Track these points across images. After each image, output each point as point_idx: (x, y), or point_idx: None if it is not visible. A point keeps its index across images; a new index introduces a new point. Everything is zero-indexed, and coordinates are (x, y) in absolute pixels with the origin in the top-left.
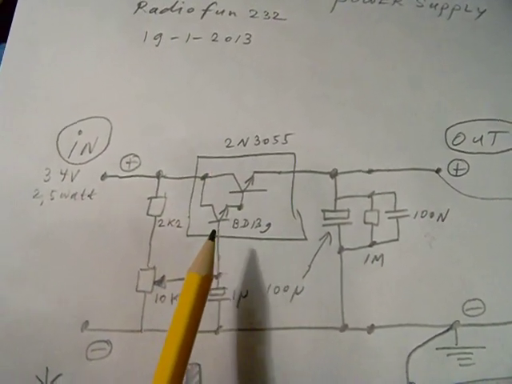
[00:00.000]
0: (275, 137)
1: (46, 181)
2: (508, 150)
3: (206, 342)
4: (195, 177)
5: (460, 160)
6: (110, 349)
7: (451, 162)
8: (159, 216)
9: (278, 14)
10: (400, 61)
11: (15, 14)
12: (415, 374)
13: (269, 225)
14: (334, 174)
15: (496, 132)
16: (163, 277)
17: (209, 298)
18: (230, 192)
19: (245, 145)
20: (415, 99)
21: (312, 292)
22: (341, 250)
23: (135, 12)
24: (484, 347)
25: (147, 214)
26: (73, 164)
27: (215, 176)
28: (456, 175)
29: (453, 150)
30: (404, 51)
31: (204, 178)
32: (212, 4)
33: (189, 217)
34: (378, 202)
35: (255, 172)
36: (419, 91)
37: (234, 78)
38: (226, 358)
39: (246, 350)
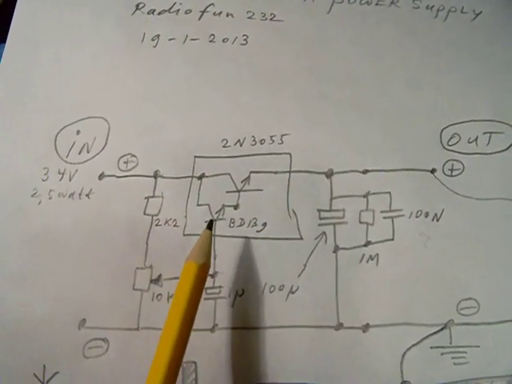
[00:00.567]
0: (271, 137)
1: (44, 180)
2: (503, 150)
3: (202, 340)
4: (192, 176)
5: (455, 160)
6: (107, 347)
7: (446, 162)
8: (156, 215)
9: (274, 16)
10: (396, 62)
11: (14, 14)
12: (409, 373)
13: (265, 224)
14: (329, 174)
15: (491, 133)
16: (160, 275)
17: (205, 296)
18: (227, 192)
19: (241, 145)
20: (411, 100)
21: (307, 291)
22: (336, 249)
23: (133, 13)
24: (478, 346)
25: (144, 214)
26: (71, 164)
27: (212, 176)
28: (451, 175)
29: (448, 150)
30: (400, 52)
31: (201, 177)
32: (209, 5)
33: (185, 216)
34: (374, 202)
35: (251, 172)
36: (415, 92)
37: (231, 79)
38: (222, 357)
39: (242, 349)
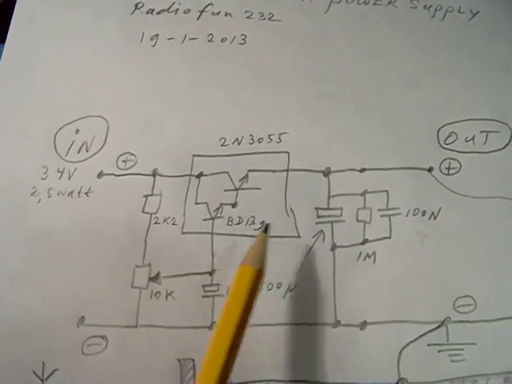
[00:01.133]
0: (269, 136)
1: (43, 179)
2: (500, 149)
3: (200, 337)
4: (190, 175)
5: (452, 159)
6: (106, 344)
7: (443, 161)
8: (155, 213)
9: (273, 15)
10: (394, 61)
11: (14, 13)
12: (406, 370)
13: (263, 222)
14: (327, 173)
15: (488, 132)
16: (158, 273)
17: (203, 294)
18: (225, 190)
19: (239, 143)
20: (408, 99)
21: (305, 289)
22: (333, 247)
23: (132, 13)
24: (475, 344)
25: (143, 212)
26: (70, 162)
27: (210, 174)
28: (448, 174)
29: (445, 149)
30: (398, 52)
31: (199, 176)
32: (208, 5)
33: (184, 214)
34: (371, 201)
35: (249, 170)
36: (413, 91)
37: (229, 78)
38: None
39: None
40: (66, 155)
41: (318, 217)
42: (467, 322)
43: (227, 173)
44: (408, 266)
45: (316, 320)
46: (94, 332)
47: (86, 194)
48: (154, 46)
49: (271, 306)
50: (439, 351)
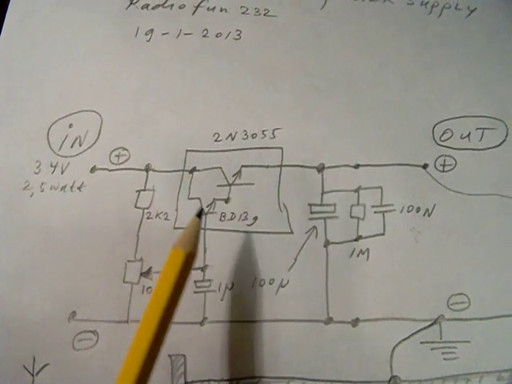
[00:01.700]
0: (263, 131)
1: (36, 173)
2: (495, 146)
3: (191, 333)
4: (183, 170)
5: (447, 156)
6: (97, 339)
7: (438, 157)
8: (147, 209)
9: (268, 11)
10: (390, 57)
11: (8, 9)
12: (399, 368)
13: (255, 218)
14: (320, 169)
15: (484, 129)
16: (150, 268)
17: (194, 289)
18: (218, 185)
19: (233, 139)
20: (404, 95)
21: (297, 285)
22: (327, 243)
23: (127, 8)
24: (468, 341)
25: (135, 207)
26: (63, 157)
27: (203, 170)
28: (443, 171)
29: (440, 145)
30: (394, 48)
31: (192, 171)
32: (203, 0)
33: (176, 210)
34: (365, 197)
35: (243, 166)
36: (408, 87)
37: (224, 74)
38: (211, 350)
39: (231, 342)
40: (59, 149)
41: (312, 213)
42: (461, 319)
43: (220, 168)
44: (402, 263)
45: (308, 317)
46: (85, 327)
47: (79, 188)
48: (148, 40)
49: (263, 302)
50: (432, 349)
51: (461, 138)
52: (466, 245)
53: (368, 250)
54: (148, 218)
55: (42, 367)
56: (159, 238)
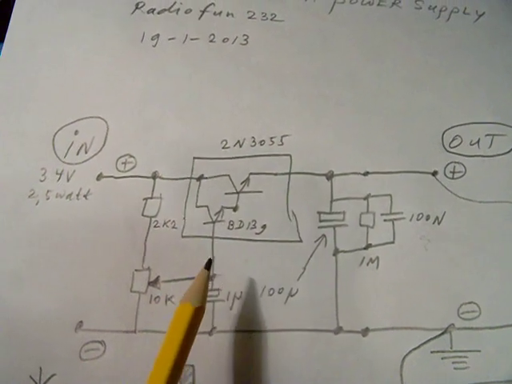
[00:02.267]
0: (271, 138)
1: (41, 181)
2: (505, 153)
3: (200, 343)
4: (191, 178)
5: (457, 163)
6: (104, 349)
7: (448, 164)
8: (154, 217)
9: (275, 16)
10: (398, 63)
11: (13, 13)
12: (409, 378)
13: (264, 226)
14: (330, 176)
15: (493, 135)
16: (158, 277)
17: None
18: (226, 193)
19: (241, 146)
20: (413, 101)
21: (307, 294)
22: (336, 252)
23: (133, 12)
24: (479, 351)
25: (142, 215)
26: (69, 164)
27: (211, 177)
28: (453, 178)
29: (450, 152)
30: (402, 53)
31: (200, 179)
32: (210, 5)
33: (184, 218)
34: (374, 205)
35: (251, 173)
36: (417, 93)
37: (231, 79)
38: (220, 360)
39: (240, 352)
40: (65, 157)
41: (321, 221)
42: (471, 328)
43: (228, 176)
44: (411, 272)
45: (317, 326)
46: (92, 337)
47: (85, 196)
48: (154, 46)
49: (272, 311)
50: (443, 358)
51: (470, 144)
52: (477, 253)
53: (378, 258)
54: (155, 226)
55: (49, 378)
56: (167, 246)
